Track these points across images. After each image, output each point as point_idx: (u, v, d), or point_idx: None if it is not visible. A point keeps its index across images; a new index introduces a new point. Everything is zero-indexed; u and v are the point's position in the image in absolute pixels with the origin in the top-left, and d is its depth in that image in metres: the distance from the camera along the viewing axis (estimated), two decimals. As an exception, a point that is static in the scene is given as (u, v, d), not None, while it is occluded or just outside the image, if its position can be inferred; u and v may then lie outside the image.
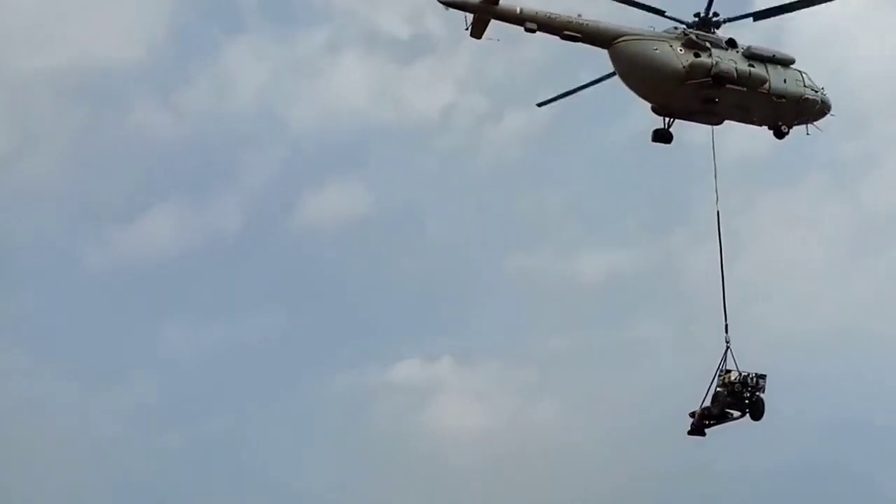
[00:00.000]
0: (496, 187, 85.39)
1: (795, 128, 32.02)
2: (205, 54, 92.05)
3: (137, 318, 77.92)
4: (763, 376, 31.19)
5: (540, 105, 35.77)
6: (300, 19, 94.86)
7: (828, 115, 32.24)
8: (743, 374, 31.04)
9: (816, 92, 31.62)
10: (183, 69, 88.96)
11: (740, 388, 30.80)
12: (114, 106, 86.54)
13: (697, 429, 31.45)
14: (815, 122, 32.39)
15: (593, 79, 32.92)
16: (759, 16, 30.80)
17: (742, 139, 77.96)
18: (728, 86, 30.24)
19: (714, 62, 30.14)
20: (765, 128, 32.22)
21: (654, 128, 32.36)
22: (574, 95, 34.10)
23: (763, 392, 31.00)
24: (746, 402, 30.73)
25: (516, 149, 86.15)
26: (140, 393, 74.86)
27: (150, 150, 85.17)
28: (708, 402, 31.28)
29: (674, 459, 65.62)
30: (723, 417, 31.10)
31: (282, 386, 76.38)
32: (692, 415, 31.34)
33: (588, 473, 68.57)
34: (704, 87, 30.23)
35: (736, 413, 31.13)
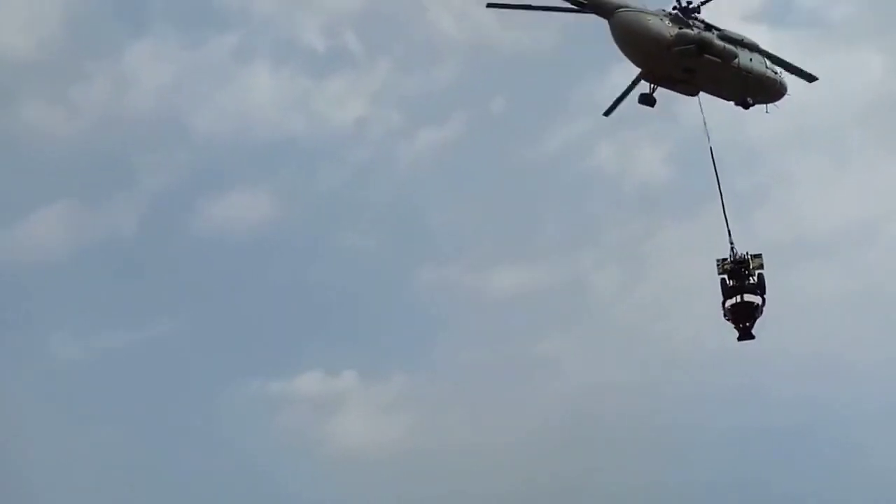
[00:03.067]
0: (408, 202, 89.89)
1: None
2: (104, 52, 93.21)
3: (20, 322, 77.21)
4: (758, 255, 36.64)
5: (489, 6, 38.80)
6: (211, 24, 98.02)
7: (785, 96, 39.11)
8: (734, 254, 36.61)
9: (776, 74, 38.48)
10: (79, 66, 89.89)
11: (737, 266, 36.39)
12: (2, 100, 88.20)
13: (743, 333, 36.57)
14: (774, 102, 39.14)
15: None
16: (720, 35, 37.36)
17: (643, 176, 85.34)
18: (706, 56, 36.70)
19: (696, 32, 36.74)
20: (731, 105, 38.96)
21: (641, 94, 38.61)
22: None
23: (762, 268, 36.41)
24: (748, 280, 36.15)
25: (429, 164, 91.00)
26: (25, 398, 73.92)
27: (39, 149, 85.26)
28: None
29: (577, 473, 71.18)
30: (746, 309, 36.24)
31: (177, 395, 76.76)
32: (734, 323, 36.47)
33: (493, 489, 71.02)
34: (686, 56, 36.57)
35: (756, 300, 36.25)
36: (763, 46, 38.49)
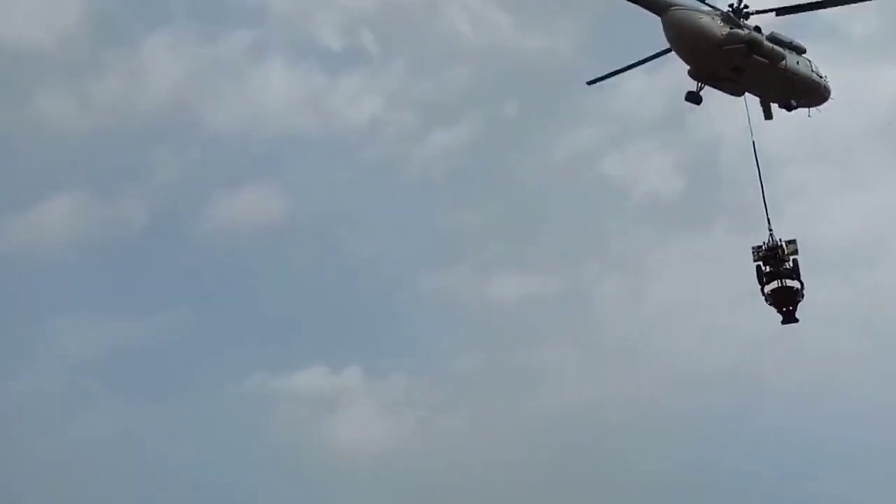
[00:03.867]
0: (417, 204, 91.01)
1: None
2: (121, 45, 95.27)
3: (27, 310, 78.64)
4: (792, 241, 38.06)
5: (590, 83, 42.96)
6: (227, 20, 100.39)
7: (829, 100, 40.33)
8: (770, 240, 38.00)
9: (822, 78, 39.71)
10: (96, 58, 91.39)
11: (771, 253, 37.73)
12: (18, 90, 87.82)
13: (786, 316, 37.89)
14: (817, 106, 40.31)
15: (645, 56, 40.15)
16: (781, 11, 38.20)
17: (651, 186, 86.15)
18: (754, 57, 37.91)
19: (747, 32, 37.95)
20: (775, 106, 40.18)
21: (687, 91, 39.76)
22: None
23: (797, 254, 37.79)
24: (784, 266, 37.53)
25: (439, 167, 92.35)
26: (29, 388, 75.97)
27: (52, 140, 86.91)
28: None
29: (573, 482, 71.77)
30: (787, 294, 37.56)
31: (180, 387, 78.92)
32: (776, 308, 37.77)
33: (486, 493, 71.95)
34: (736, 55, 37.72)
35: (795, 284, 37.54)
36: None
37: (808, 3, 37.86)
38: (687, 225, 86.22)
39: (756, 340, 72.96)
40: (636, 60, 40.62)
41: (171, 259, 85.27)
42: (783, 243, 38.44)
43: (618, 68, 41.53)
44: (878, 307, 72.18)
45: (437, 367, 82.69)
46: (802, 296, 38.11)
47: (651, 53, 39.98)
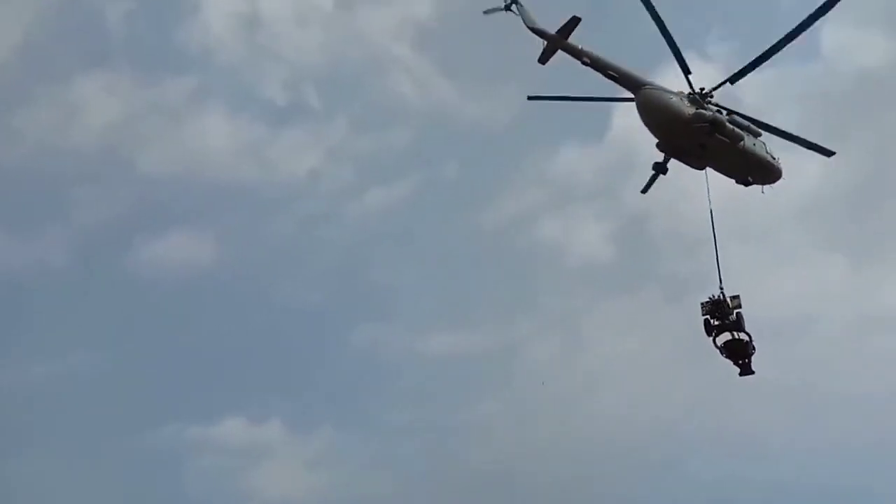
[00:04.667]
0: (352, 258, 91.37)
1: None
2: (54, 80, 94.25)
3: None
4: (736, 296, 41.23)
5: (531, 98, 45.94)
6: (171, 65, 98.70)
7: (780, 180, 44.26)
8: (714, 296, 41.20)
9: (775, 159, 43.73)
10: (28, 92, 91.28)
11: (716, 307, 40.89)
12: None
13: (743, 368, 40.99)
14: (770, 184, 44.04)
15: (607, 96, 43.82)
16: (733, 79, 41.71)
17: (585, 251, 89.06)
18: (717, 136, 41.78)
19: (711, 113, 41.86)
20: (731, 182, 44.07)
21: (654, 162, 43.49)
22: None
23: (740, 308, 40.98)
24: (730, 318, 40.72)
25: (376, 224, 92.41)
26: None
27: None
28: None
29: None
30: (739, 346, 40.72)
31: (92, 434, 76.26)
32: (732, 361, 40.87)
33: None
34: (701, 133, 41.55)
35: (743, 336, 40.75)
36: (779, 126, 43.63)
37: (752, 62, 41.32)
38: (617, 290, 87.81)
39: (684, 406, 77.58)
40: (584, 96, 44.36)
41: (91, 301, 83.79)
42: (728, 298, 41.69)
43: (562, 95, 45.28)
44: (805, 381, 74.64)
45: (366, 422, 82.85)
46: (753, 348, 41.35)
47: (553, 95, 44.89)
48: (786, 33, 39.59)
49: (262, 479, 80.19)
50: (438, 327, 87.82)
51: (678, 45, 40.02)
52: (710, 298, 41.88)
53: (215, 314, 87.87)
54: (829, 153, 44.46)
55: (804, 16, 39.15)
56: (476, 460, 78.41)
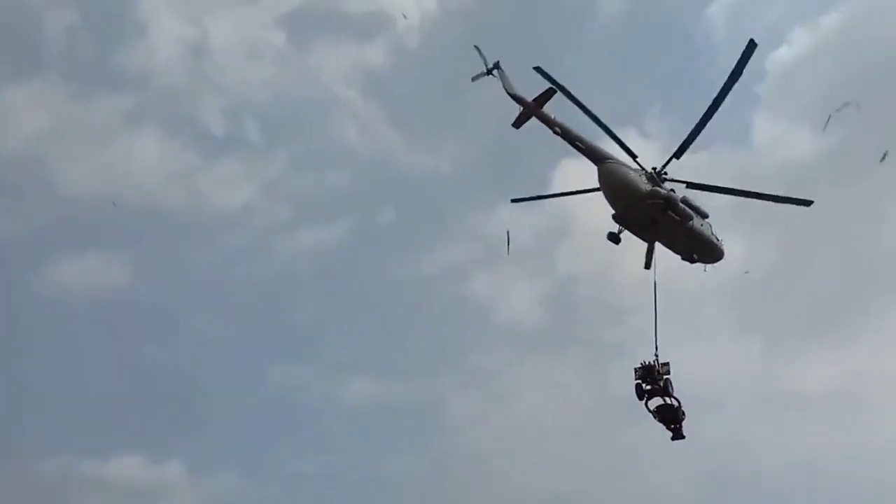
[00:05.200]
0: (276, 296, 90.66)
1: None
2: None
3: None
4: (666, 363, 43.62)
5: (514, 201, 49.90)
6: (107, 83, 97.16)
7: (721, 260, 47.42)
8: (646, 362, 43.55)
9: (719, 240, 46.94)
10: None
11: (647, 374, 43.21)
12: None
13: (675, 433, 43.28)
14: (713, 263, 47.19)
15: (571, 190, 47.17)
16: (677, 153, 44.79)
17: (513, 311, 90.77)
18: (669, 213, 44.90)
19: (666, 192, 44.99)
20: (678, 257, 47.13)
21: (609, 231, 46.25)
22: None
23: (669, 374, 43.35)
24: (659, 384, 43.06)
25: (305, 263, 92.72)
26: None
27: None
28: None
29: None
30: (670, 411, 43.07)
31: None
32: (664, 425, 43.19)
33: None
34: (655, 209, 44.56)
35: (672, 402, 43.11)
36: (752, 189, 46.41)
37: (710, 186, 45.78)
38: (541, 352, 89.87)
39: (598, 469, 79.54)
40: (564, 192, 47.92)
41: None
42: (658, 365, 44.18)
43: (544, 194, 49.28)
44: (715, 455, 76.36)
45: (273, 467, 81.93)
46: (683, 414, 43.76)
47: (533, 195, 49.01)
48: (710, 103, 42.63)
49: None
50: (358, 374, 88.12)
51: (616, 132, 43.61)
52: (641, 364, 44.46)
53: (122, 343, 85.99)
54: (806, 203, 46.44)
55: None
56: None
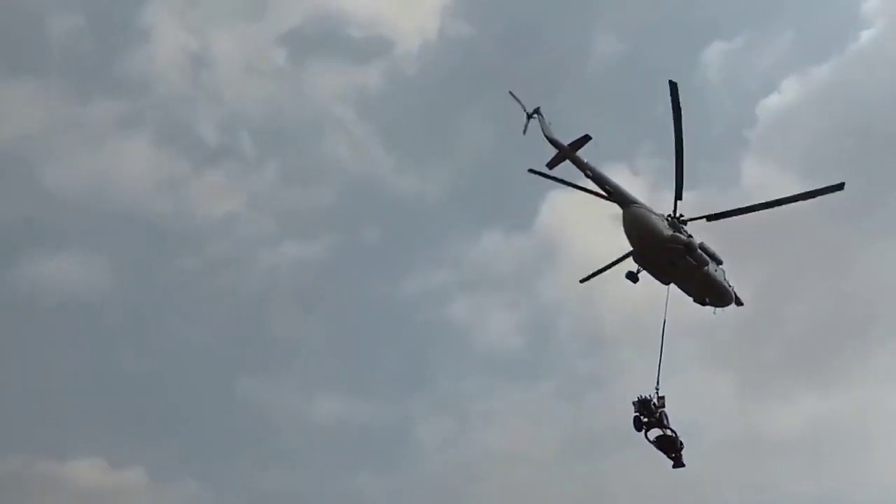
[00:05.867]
0: (254, 308, 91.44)
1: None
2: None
3: None
4: (661, 397, 45.65)
5: (582, 281, 51.77)
6: (106, 87, 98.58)
7: (731, 305, 49.94)
8: (645, 395, 45.66)
9: (730, 287, 49.48)
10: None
11: (644, 407, 45.28)
12: None
13: (675, 461, 45.24)
14: (722, 307, 49.51)
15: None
16: (711, 217, 47.50)
17: (491, 337, 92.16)
18: (687, 258, 47.40)
19: (686, 238, 47.47)
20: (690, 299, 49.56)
21: (628, 270, 48.51)
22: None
23: (664, 407, 45.41)
24: (655, 416, 45.11)
25: (286, 278, 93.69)
26: None
27: None
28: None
29: None
30: (669, 441, 45.12)
31: None
32: (664, 454, 45.32)
33: None
34: (674, 253, 46.99)
35: (669, 433, 45.14)
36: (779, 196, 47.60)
37: (730, 211, 47.61)
38: (518, 380, 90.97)
39: (566, 500, 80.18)
40: (613, 260, 49.71)
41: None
42: (655, 398, 46.34)
43: (600, 268, 50.66)
44: (683, 492, 76.68)
45: (236, 479, 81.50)
46: (681, 444, 45.89)
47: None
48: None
49: None
50: (329, 392, 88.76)
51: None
52: (639, 398, 46.75)
53: (93, 344, 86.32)
54: (839, 187, 46.77)
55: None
56: None
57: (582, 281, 52.33)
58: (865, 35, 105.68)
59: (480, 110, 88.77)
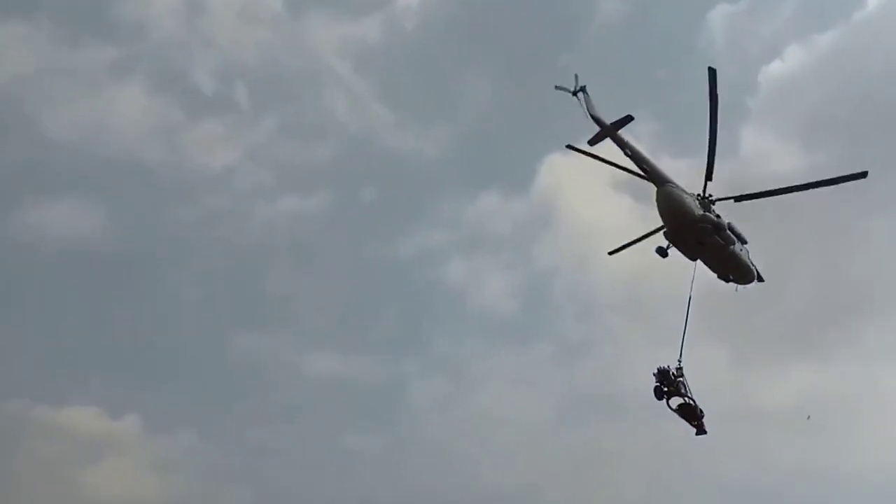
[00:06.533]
0: (251, 262, 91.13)
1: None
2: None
3: None
4: (679, 367, 48.06)
5: (610, 253, 53.29)
6: (100, 30, 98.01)
7: (753, 283, 52.38)
8: (664, 367, 47.98)
9: (753, 266, 51.76)
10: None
11: (663, 377, 47.68)
12: None
13: (698, 429, 47.73)
14: (744, 285, 51.82)
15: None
16: (738, 198, 49.62)
17: (486, 300, 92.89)
18: (715, 237, 49.68)
19: (715, 217, 49.70)
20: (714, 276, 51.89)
21: (658, 246, 50.53)
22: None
23: (682, 377, 47.77)
24: (674, 385, 47.54)
25: (283, 232, 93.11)
26: None
27: None
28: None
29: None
30: (690, 409, 47.55)
31: None
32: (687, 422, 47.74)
33: None
34: (704, 232, 49.25)
35: (689, 401, 47.53)
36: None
37: (757, 193, 49.60)
38: (512, 344, 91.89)
39: (555, 465, 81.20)
40: (642, 234, 51.50)
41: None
42: (674, 370, 48.69)
43: (631, 240, 52.28)
44: (671, 460, 79.29)
45: (232, 432, 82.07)
46: (701, 412, 48.30)
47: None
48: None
49: (105, 475, 78.64)
50: (325, 349, 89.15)
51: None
52: (658, 368, 49.18)
53: (90, 293, 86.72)
54: (862, 175, 48.31)
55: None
56: (340, 488, 79.30)
57: (610, 253, 54.15)
58: (871, 3, 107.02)
59: (481, 67, 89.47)
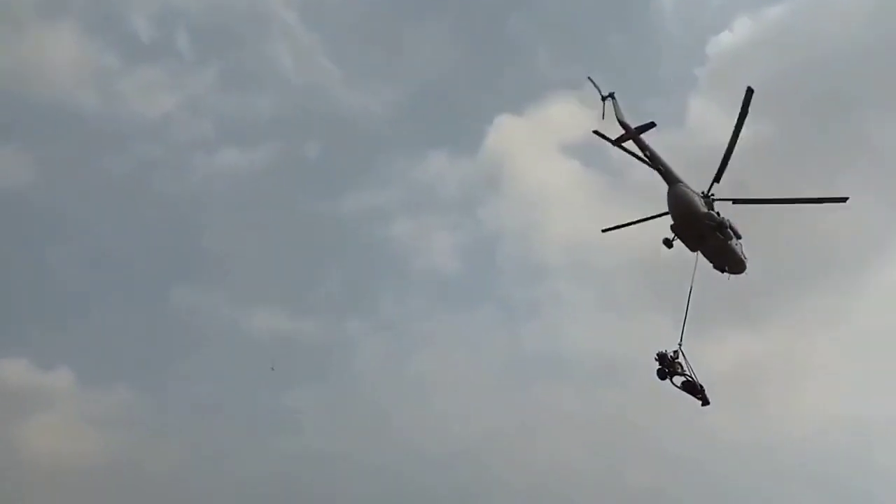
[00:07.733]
0: (187, 216, 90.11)
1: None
2: None
3: None
4: (676, 351, 52.80)
5: (604, 231, 57.21)
6: None
7: (744, 273, 57.21)
8: (660, 351, 52.77)
9: (745, 259, 56.54)
10: None
11: (662, 360, 52.49)
12: None
13: (703, 401, 52.51)
14: (736, 274, 56.66)
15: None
16: (736, 201, 54.47)
17: (432, 260, 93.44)
18: (717, 233, 54.22)
19: (719, 216, 54.17)
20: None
21: (664, 237, 54.66)
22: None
23: (678, 358, 52.61)
24: (673, 365, 52.34)
25: (222, 186, 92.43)
26: None
27: None
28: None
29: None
30: (692, 385, 52.39)
31: None
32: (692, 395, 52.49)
33: None
34: (708, 228, 53.75)
35: (689, 378, 52.41)
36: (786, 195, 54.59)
37: (753, 199, 54.56)
38: (456, 304, 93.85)
39: (496, 428, 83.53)
40: (642, 217, 55.34)
41: None
42: (671, 353, 53.48)
43: (629, 221, 56.19)
44: (610, 421, 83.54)
45: (170, 388, 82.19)
46: (701, 386, 53.24)
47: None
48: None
49: (37, 430, 78.58)
50: (265, 306, 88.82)
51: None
52: (658, 353, 53.83)
53: (18, 242, 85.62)
54: (842, 200, 54.41)
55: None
56: (279, 446, 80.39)
57: (604, 231, 58.16)
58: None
59: (434, 25, 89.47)
